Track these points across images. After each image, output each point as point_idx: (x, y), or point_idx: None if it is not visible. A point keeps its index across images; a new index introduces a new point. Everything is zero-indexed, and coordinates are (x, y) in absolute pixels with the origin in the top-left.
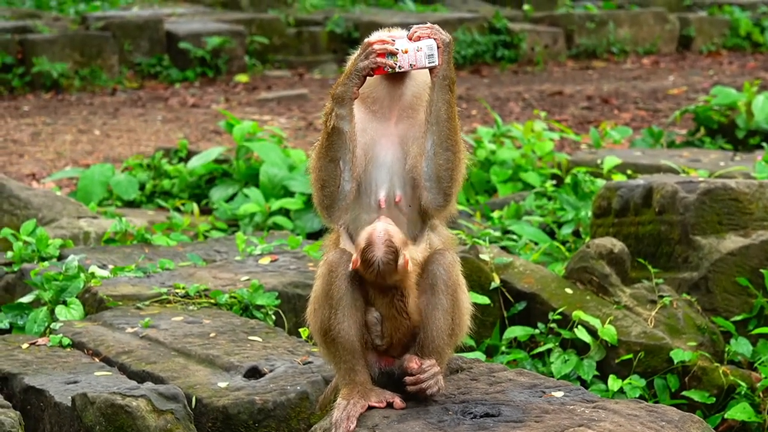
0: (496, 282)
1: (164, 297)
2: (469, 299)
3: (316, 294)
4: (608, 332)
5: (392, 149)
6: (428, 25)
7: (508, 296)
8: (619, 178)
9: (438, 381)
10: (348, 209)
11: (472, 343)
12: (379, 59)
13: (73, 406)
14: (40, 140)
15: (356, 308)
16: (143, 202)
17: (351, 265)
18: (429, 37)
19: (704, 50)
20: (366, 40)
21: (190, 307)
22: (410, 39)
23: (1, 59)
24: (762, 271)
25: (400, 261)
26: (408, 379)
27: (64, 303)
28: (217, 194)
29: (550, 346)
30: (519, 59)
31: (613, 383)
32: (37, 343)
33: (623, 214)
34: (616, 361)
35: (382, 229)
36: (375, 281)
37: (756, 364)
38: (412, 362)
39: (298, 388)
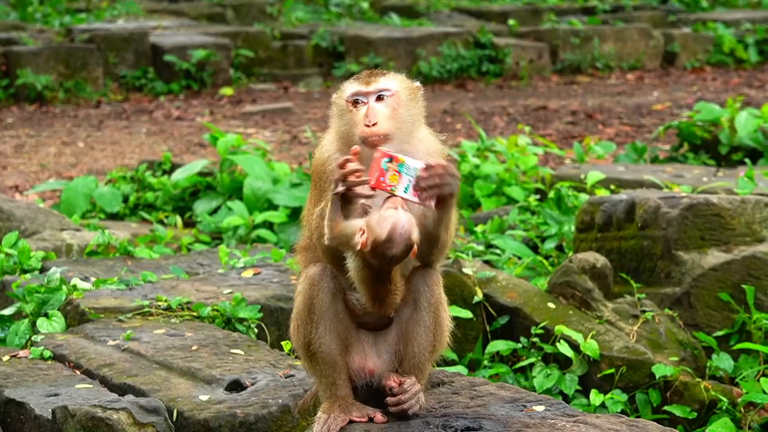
0: (478, 296)
1: (146, 310)
2: (449, 317)
3: (298, 310)
4: (590, 347)
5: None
6: (439, 173)
7: (491, 310)
8: (602, 193)
9: (419, 399)
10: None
11: (454, 356)
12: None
13: (54, 419)
14: (23, 152)
15: (338, 321)
16: (126, 214)
17: (359, 245)
18: (436, 187)
19: (688, 66)
20: (340, 171)
21: (173, 320)
22: (417, 183)
23: None
24: (744, 286)
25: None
26: (389, 399)
27: (46, 315)
28: (201, 207)
29: (532, 360)
30: (504, 74)
31: (595, 398)
32: (18, 356)
33: (606, 229)
34: (598, 375)
35: (405, 225)
36: (377, 265)
37: (737, 380)
38: (391, 380)
39: (280, 401)
